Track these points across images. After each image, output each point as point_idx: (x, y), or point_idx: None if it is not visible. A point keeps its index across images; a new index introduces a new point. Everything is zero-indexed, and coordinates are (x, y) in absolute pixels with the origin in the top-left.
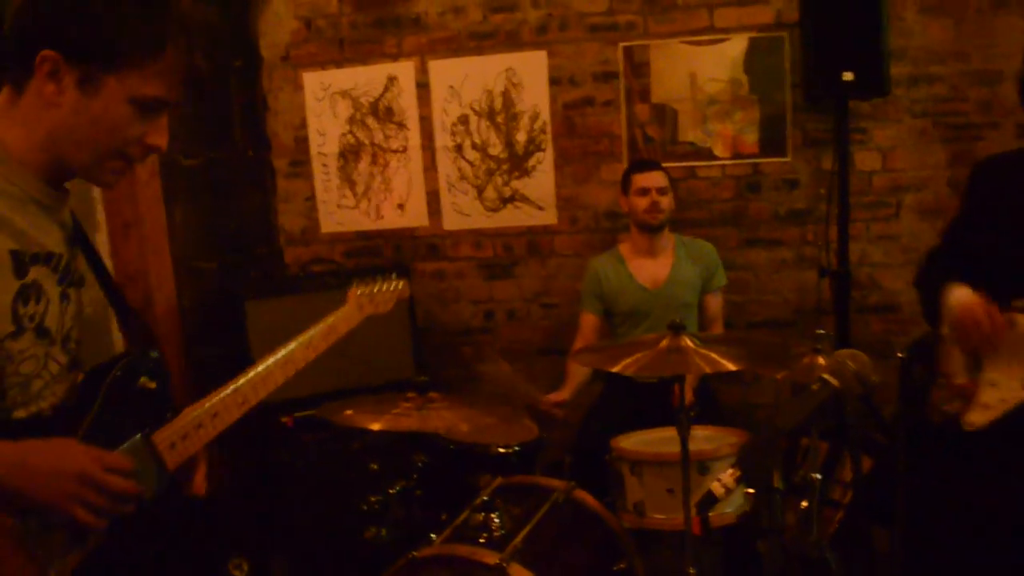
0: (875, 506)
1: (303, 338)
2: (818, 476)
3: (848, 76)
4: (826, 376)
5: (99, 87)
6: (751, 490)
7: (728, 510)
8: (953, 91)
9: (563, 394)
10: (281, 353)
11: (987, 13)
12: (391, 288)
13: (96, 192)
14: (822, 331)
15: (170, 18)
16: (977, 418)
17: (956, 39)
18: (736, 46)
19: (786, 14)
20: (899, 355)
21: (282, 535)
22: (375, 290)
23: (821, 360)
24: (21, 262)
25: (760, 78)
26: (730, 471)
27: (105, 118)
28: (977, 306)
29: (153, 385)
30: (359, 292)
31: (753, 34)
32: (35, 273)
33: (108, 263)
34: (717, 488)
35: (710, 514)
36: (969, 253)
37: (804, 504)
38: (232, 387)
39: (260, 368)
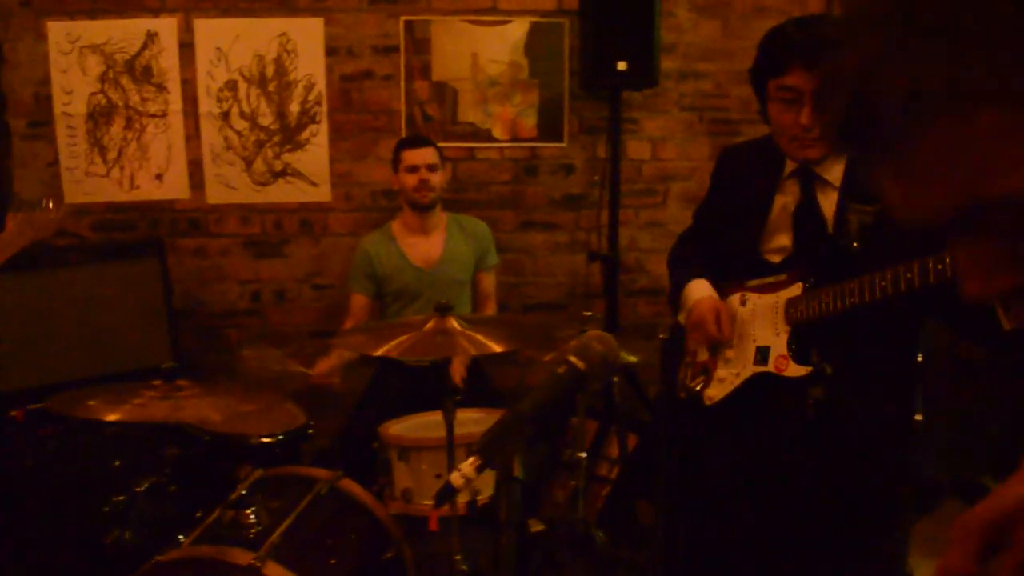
0: (640, 481)
1: None
2: (584, 455)
3: (622, 66)
4: (572, 358)
5: None
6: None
7: (489, 493)
8: (717, 87)
9: (329, 361)
10: None
11: (750, 16)
12: (48, 213)
13: None
14: (589, 313)
15: None
16: (714, 392)
17: (722, 39)
18: (518, 29)
19: (567, 1)
20: (660, 336)
21: (14, 542)
22: (36, 214)
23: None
24: None
25: (540, 63)
26: (470, 460)
27: None
28: (708, 309)
29: None
30: (18, 217)
31: (535, 19)
32: None
33: None
34: (456, 478)
35: (477, 499)
36: (709, 236)
37: (572, 483)
38: None
39: None
